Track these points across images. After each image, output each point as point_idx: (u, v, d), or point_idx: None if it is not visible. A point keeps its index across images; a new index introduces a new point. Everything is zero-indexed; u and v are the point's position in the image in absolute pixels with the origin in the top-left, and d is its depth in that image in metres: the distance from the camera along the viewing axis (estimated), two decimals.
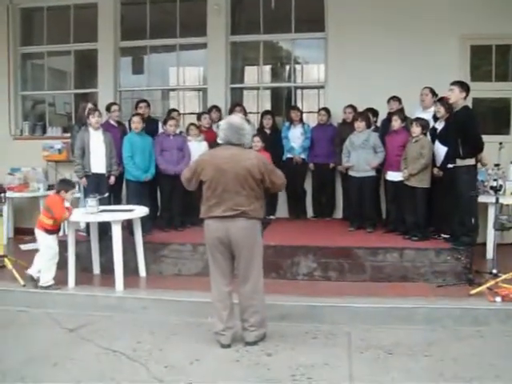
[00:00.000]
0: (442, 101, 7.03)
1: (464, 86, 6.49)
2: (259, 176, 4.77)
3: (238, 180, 4.73)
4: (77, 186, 8.08)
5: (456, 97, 6.45)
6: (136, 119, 7.53)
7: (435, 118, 7.24)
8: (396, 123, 7.40)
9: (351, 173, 7.80)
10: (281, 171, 5.06)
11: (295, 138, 8.76)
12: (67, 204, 6.31)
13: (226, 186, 4.75)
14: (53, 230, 6.28)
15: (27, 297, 6.18)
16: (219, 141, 5.02)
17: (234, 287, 5.02)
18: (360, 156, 7.65)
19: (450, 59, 8.45)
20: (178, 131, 8.06)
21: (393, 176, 7.42)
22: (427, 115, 7.37)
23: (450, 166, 6.68)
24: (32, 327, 5.48)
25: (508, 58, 8.90)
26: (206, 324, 5.41)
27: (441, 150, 6.94)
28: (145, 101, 8.66)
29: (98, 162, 7.26)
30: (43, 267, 6.23)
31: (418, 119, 7.12)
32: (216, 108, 8.97)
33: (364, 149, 7.63)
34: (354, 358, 4.75)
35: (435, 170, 7.01)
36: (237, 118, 5.09)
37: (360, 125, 7.66)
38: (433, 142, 7.10)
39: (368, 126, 7.76)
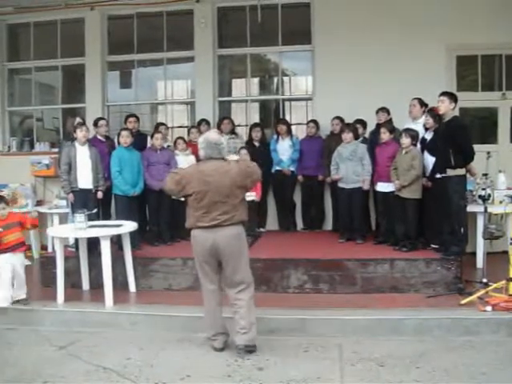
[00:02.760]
0: (431, 112, 7.07)
1: (453, 97, 6.55)
2: (242, 183, 5.01)
3: (223, 191, 4.93)
4: (64, 202, 8.10)
5: (446, 107, 6.49)
6: (125, 134, 7.50)
7: (426, 129, 7.26)
8: (385, 135, 7.40)
9: (340, 184, 7.79)
10: (253, 162, 5.30)
11: (284, 151, 8.77)
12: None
13: (212, 198, 4.93)
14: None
15: (16, 314, 6.11)
16: (201, 157, 5.21)
17: (221, 294, 5.17)
18: (348, 168, 7.65)
19: (436, 70, 8.53)
20: (165, 145, 8.05)
21: (383, 187, 7.41)
22: (417, 126, 7.38)
23: (438, 176, 6.70)
24: (21, 345, 5.42)
25: (494, 67, 8.97)
26: (196, 339, 5.39)
27: (430, 161, 6.97)
28: (134, 115, 8.65)
29: (85, 178, 7.24)
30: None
31: (407, 130, 7.12)
32: (205, 121, 8.97)
33: (352, 161, 7.63)
34: (345, 370, 4.72)
35: (424, 180, 7.03)
36: (213, 134, 5.25)
37: (347, 136, 7.67)
38: (422, 152, 7.13)
39: (355, 138, 7.77)
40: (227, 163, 5.10)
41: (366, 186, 7.66)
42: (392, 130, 7.44)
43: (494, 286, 5.89)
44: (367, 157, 7.61)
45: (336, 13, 8.91)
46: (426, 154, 7.04)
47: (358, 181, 7.63)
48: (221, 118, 9.27)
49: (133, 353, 5.20)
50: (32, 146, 10.14)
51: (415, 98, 7.59)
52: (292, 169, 8.74)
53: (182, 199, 5.38)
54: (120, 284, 6.65)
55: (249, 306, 5.04)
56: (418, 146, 7.19)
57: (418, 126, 7.33)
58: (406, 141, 7.02)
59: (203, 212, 4.96)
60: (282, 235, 8.62)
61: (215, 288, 5.16)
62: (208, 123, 8.99)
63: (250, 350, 5.02)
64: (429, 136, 7.13)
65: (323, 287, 6.56)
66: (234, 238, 4.99)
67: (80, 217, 6.34)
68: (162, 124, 8.82)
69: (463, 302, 5.78)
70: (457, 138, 6.33)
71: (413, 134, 7.05)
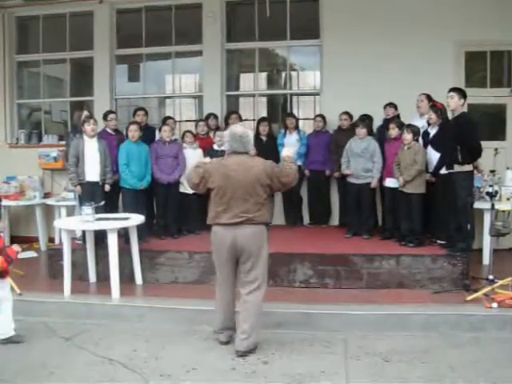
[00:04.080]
0: (434, 107, 7.07)
1: (462, 93, 6.53)
2: (267, 181, 4.89)
3: (245, 188, 4.83)
4: (72, 194, 8.14)
5: (455, 103, 6.48)
6: (133, 127, 7.51)
7: (429, 124, 7.26)
8: (394, 131, 7.39)
9: (350, 179, 7.81)
10: (289, 170, 5.04)
11: (290, 145, 8.71)
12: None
13: (234, 194, 4.84)
14: None
15: (23, 305, 6.10)
16: (226, 151, 5.12)
17: (236, 292, 5.12)
18: (359, 164, 7.67)
19: (445, 65, 8.48)
20: (173, 138, 8.04)
21: (392, 183, 7.38)
22: (424, 121, 7.40)
23: (444, 171, 6.70)
24: (28, 336, 5.43)
25: (503, 63, 8.93)
26: (202, 332, 5.42)
27: (433, 156, 6.97)
28: (142, 109, 8.68)
29: (93, 171, 7.24)
30: None
31: (409, 126, 7.16)
32: (213, 115, 8.97)
33: (363, 157, 7.65)
34: (350, 365, 4.74)
35: (427, 176, 7.03)
36: (239, 127, 5.16)
37: (361, 131, 7.68)
38: (425, 146, 7.14)
39: (369, 133, 7.77)
40: (253, 159, 5.04)
41: (374, 184, 7.67)
42: (401, 125, 7.40)
43: (500, 282, 5.90)
44: (378, 154, 7.61)
45: (344, 8, 8.87)
46: (430, 149, 7.05)
47: (367, 177, 7.65)
48: (228, 112, 9.25)
49: (139, 345, 5.23)
50: (40, 139, 10.17)
51: (423, 94, 7.60)
52: (299, 163, 8.71)
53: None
54: (126, 277, 6.68)
55: (255, 310, 4.96)
56: (421, 140, 7.21)
57: (426, 122, 7.34)
58: (408, 136, 7.04)
59: (224, 208, 4.88)
60: (288, 230, 8.62)
61: (229, 285, 5.09)
62: (216, 117, 9.00)
63: (249, 352, 4.95)
64: (432, 131, 7.13)
65: (329, 282, 6.57)
66: (255, 237, 4.89)
67: (87, 209, 6.37)
68: (170, 118, 8.84)
69: (469, 298, 5.79)
70: (465, 134, 6.32)
71: (414, 130, 7.08)
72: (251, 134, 5.10)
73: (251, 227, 4.87)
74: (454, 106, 6.50)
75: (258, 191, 4.86)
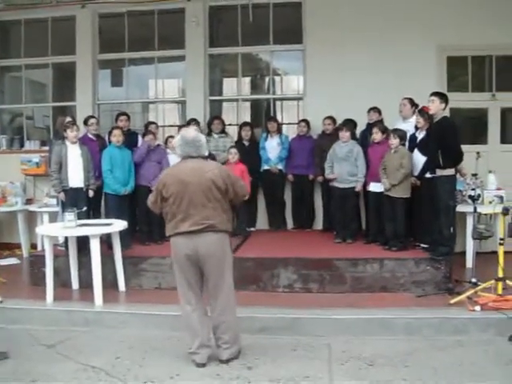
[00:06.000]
0: (422, 111, 7.10)
1: (443, 97, 6.57)
2: (223, 186, 4.69)
3: (202, 192, 4.63)
4: (54, 200, 8.08)
5: (436, 108, 6.52)
6: (116, 132, 7.48)
7: (417, 128, 7.28)
8: (377, 135, 7.41)
9: (335, 184, 7.79)
10: (243, 182, 5.10)
11: (271, 149, 8.77)
12: None
13: (192, 200, 4.64)
14: None
15: (4, 313, 6.08)
16: (178, 157, 4.97)
17: (204, 304, 4.96)
18: (343, 168, 7.65)
19: (427, 70, 8.54)
20: (155, 143, 8.01)
21: (376, 187, 7.39)
22: (407, 125, 7.42)
23: (429, 175, 6.73)
24: (9, 344, 5.36)
25: (484, 68, 9.00)
26: (186, 338, 5.37)
27: (419, 160, 6.99)
28: (125, 114, 8.62)
29: (76, 176, 7.17)
30: None
31: (395, 130, 7.17)
32: (195, 121, 8.91)
33: (347, 161, 7.63)
34: (334, 369, 4.73)
35: (412, 180, 7.06)
36: (191, 131, 5.01)
37: (344, 135, 7.66)
38: (412, 150, 7.16)
39: (352, 137, 7.78)
40: (208, 163, 4.87)
41: (359, 188, 7.67)
42: (384, 129, 7.43)
43: (483, 285, 5.92)
44: (362, 158, 7.60)
45: (327, 12, 8.90)
46: (416, 153, 7.08)
47: (352, 181, 7.64)
48: (211, 117, 9.24)
49: (122, 352, 5.20)
50: (22, 144, 10.09)
51: (406, 98, 7.62)
52: (280, 167, 8.74)
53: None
54: (110, 283, 6.62)
55: (234, 322, 4.88)
56: (407, 144, 7.23)
57: (409, 126, 7.38)
58: (394, 141, 7.06)
59: (182, 216, 4.65)
60: (271, 234, 8.62)
61: (198, 299, 4.88)
62: (198, 123, 8.92)
63: (233, 358, 4.89)
64: (420, 135, 7.16)
65: (313, 286, 6.57)
66: (216, 245, 4.69)
67: (70, 215, 6.32)
68: (153, 123, 8.80)
69: (452, 301, 5.81)
70: (445, 139, 6.36)
71: (401, 134, 7.10)
72: (204, 139, 4.90)
73: (212, 235, 4.68)
74: (435, 110, 6.54)
75: (216, 195, 4.67)
